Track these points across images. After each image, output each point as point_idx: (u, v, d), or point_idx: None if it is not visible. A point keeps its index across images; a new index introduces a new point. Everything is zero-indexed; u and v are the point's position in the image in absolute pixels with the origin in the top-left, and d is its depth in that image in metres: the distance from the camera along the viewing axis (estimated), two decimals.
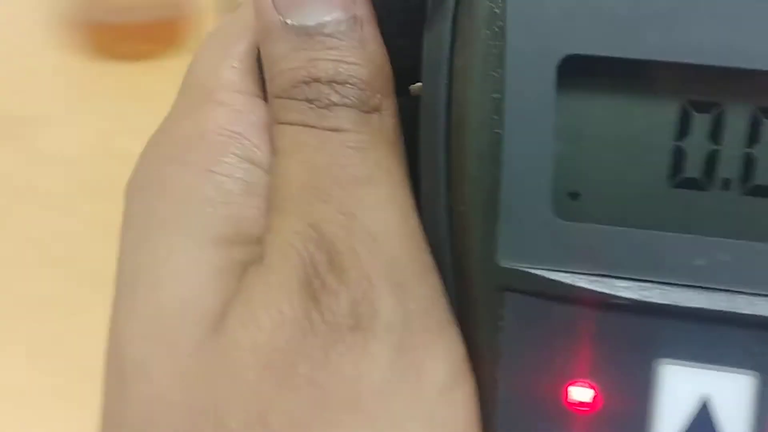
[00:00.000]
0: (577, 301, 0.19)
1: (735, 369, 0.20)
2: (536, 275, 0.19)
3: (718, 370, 0.20)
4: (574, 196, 0.19)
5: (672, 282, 0.19)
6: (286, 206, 0.20)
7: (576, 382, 0.20)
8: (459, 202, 0.20)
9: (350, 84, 0.20)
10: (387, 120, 0.21)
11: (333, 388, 0.19)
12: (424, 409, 0.20)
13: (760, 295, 0.19)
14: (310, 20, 0.20)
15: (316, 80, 0.20)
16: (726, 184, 0.19)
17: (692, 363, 0.20)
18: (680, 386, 0.20)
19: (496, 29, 0.18)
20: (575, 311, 0.19)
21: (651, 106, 0.19)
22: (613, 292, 0.19)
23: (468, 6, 0.19)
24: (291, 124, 0.21)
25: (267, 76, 0.21)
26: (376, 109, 0.20)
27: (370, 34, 0.20)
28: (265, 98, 0.22)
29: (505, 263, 0.19)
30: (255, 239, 0.21)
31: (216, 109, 0.22)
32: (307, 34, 0.20)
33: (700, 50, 0.18)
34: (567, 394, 0.20)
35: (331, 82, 0.20)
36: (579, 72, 0.18)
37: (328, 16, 0.20)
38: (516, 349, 0.20)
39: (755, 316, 0.19)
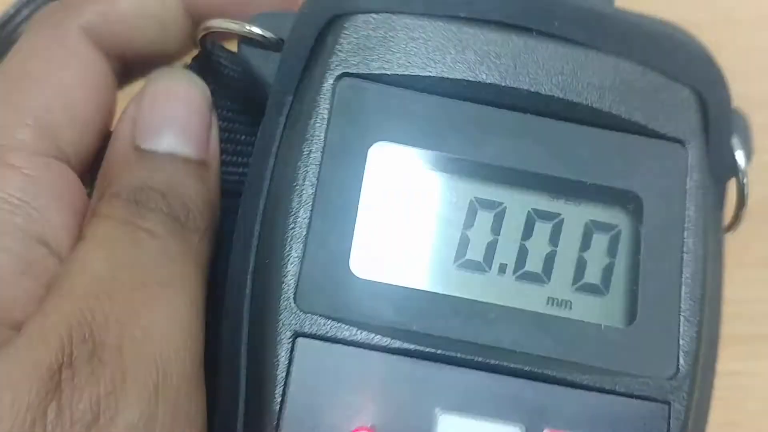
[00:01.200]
0: (364, 349, 0.21)
1: (505, 420, 0.20)
2: (330, 323, 0.21)
3: (490, 422, 0.20)
4: (373, 264, 0.22)
5: (451, 337, 0.21)
6: (71, 292, 0.20)
7: (360, 430, 0.21)
8: (264, 255, 0.22)
9: (181, 202, 0.22)
10: (202, 245, 0.22)
11: None
12: None
13: (524, 353, 0.21)
14: (162, 148, 0.22)
15: (150, 188, 0.21)
16: (503, 268, 0.23)
17: (467, 414, 0.21)
18: None
19: (322, 119, 0.22)
20: (362, 359, 0.21)
21: (445, 198, 0.23)
22: (402, 344, 0.21)
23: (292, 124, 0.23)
24: (110, 217, 0.21)
25: (102, 172, 0.22)
26: (195, 232, 0.22)
27: (212, 176, 0.23)
28: (66, 160, 0.22)
29: (303, 308, 0.21)
30: (14, 324, 0.20)
31: (4, 172, 0.21)
32: (155, 154, 0.22)
33: (487, 154, 0.23)
34: None
35: (163, 194, 0.21)
36: (388, 158, 0.23)
37: (180, 150, 0.22)
38: (304, 395, 0.21)
39: (522, 370, 0.21)
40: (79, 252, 0.21)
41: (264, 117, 0.23)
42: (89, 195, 0.23)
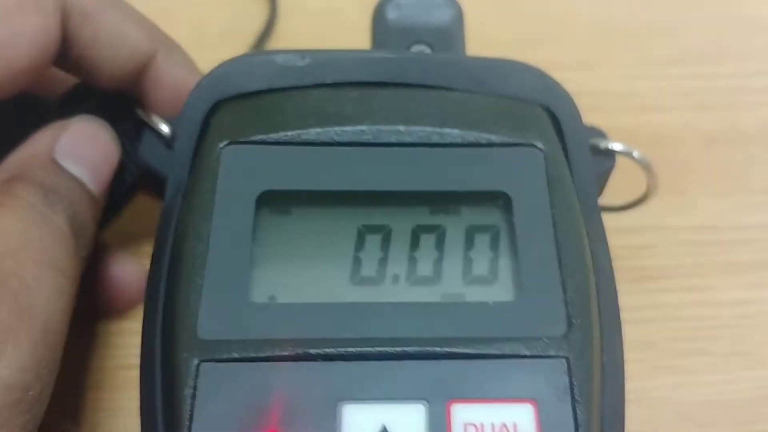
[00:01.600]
0: (263, 362, 0.22)
1: (407, 400, 0.21)
2: (229, 345, 0.22)
3: (394, 404, 0.21)
4: (272, 298, 0.23)
5: (347, 338, 0.22)
6: None
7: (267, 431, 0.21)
8: (169, 302, 0.23)
9: (81, 218, 0.25)
10: (82, 264, 0.25)
11: None
12: None
13: (420, 338, 0.22)
14: (75, 172, 0.26)
15: (61, 195, 0.25)
16: (396, 278, 0.24)
17: (370, 401, 0.21)
18: (360, 422, 0.21)
19: (212, 181, 0.24)
20: (263, 372, 0.22)
21: (334, 230, 0.25)
22: (299, 350, 0.22)
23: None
24: (25, 200, 0.24)
25: (15, 158, 0.25)
26: (84, 249, 0.25)
27: (98, 215, 0.27)
28: None
29: (204, 336, 0.22)
30: None
31: None
32: (67, 172, 0.26)
33: (366, 187, 0.25)
34: None
35: (70, 203, 0.25)
36: (275, 203, 0.25)
37: (87, 182, 0.26)
38: (209, 412, 0.21)
39: (419, 352, 0.22)
40: None
41: (164, 200, 0.26)
42: None
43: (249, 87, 0.27)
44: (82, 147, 0.26)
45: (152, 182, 0.28)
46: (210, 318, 0.22)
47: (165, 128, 0.28)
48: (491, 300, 0.23)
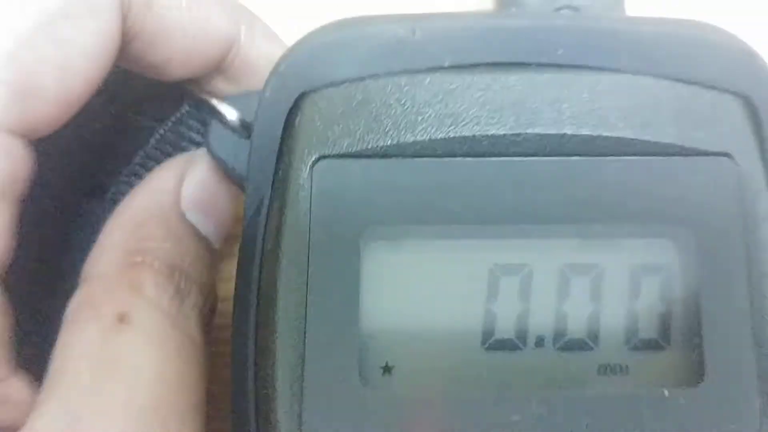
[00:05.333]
0: None
1: None
2: None
3: None
4: (387, 369, 0.19)
5: None
6: (125, 402, 0.18)
7: None
8: (264, 386, 0.19)
9: (208, 301, 0.21)
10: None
11: None
12: None
13: None
14: (202, 228, 0.22)
15: (188, 276, 0.21)
16: (540, 341, 0.19)
17: None
18: None
19: (303, 212, 0.20)
20: None
21: (459, 273, 0.20)
22: None
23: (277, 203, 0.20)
24: (157, 308, 0.20)
25: (138, 214, 0.21)
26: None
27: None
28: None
29: None
30: None
31: None
32: (193, 230, 0.22)
33: (500, 212, 0.20)
34: None
35: (198, 285, 0.21)
36: (384, 238, 0.20)
37: (213, 239, 0.22)
38: None
39: None
40: (128, 346, 0.19)
41: (243, 220, 0.21)
42: None
43: (343, 73, 0.21)
44: (212, 191, 0.22)
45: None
46: (315, 409, 0.19)
47: (233, 114, 0.22)
48: (665, 386, 0.18)
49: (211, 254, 0.22)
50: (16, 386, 0.19)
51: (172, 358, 0.19)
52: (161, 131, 0.24)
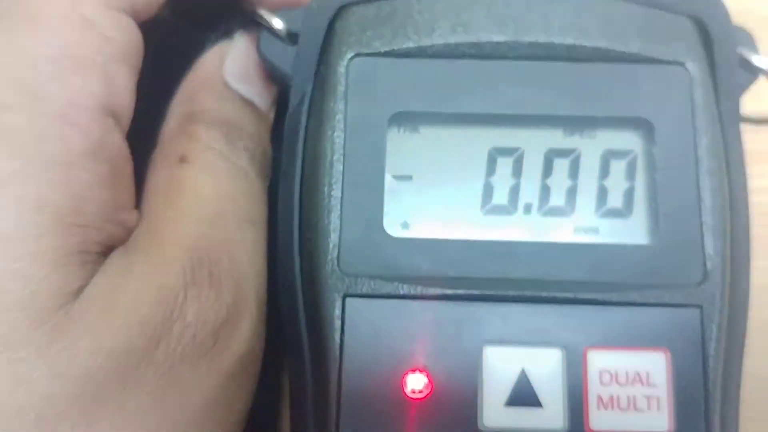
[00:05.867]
0: (407, 300, 0.23)
1: (546, 345, 0.22)
2: (374, 282, 0.23)
3: (532, 347, 0.22)
4: (405, 225, 0.24)
5: (486, 278, 0.23)
6: (187, 215, 0.22)
7: (411, 372, 0.22)
8: (307, 231, 0.24)
9: (262, 149, 0.25)
10: (265, 188, 0.25)
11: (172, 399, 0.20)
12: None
13: (557, 281, 0.23)
14: (247, 93, 0.25)
15: (241, 129, 0.24)
16: (528, 208, 0.24)
17: (511, 344, 0.22)
18: (501, 364, 0.22)
19: (341, 98, 0.24)
20: (406, 310, 0.23)
21: (464, 152, 0.25)
22: (441, 290, 0.23)
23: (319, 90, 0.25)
24: (211, 148, 0.23)
25: (187, 89, 0.25)
26: (267, 178, 0.25)
27: (269, 110, 0.26)
28: (133, 13, 0.22)
29: (347, 273, 0.23)
30: (92, 218, 0.20)
31: (82, 30, 0.20)
32: (240, 95, 0.25)
33: (499, 104, 0.24)
34: (405, 383, 0.22)
35: (250, 136, 0.25)
36: (406, 122, 0.24)
37: (258, 102, 0.26)
38: (357, 349, 0.22)
39: (557, 297, 0.22)
40: (188, 175, 0.23)
41: (288, 107, 0.25)
42: None
43: None
44: (249, 65, 0.26)
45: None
46: (350, 250, 0.23)
47: (279, 24, 0.26)
48: (628, 242, 0.23)
49: (257, 113, 0.26)
50: (135, 216, 0.23)
51: (226, 183, 0.23)
52: (213, 39, 0.28)
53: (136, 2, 0.23)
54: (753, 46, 0.26)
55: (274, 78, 0.27)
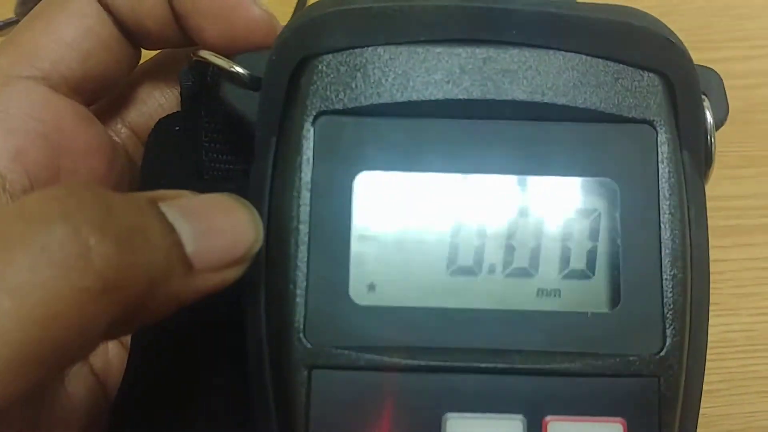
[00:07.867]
0: (372, 371, 0.23)
1: (507, 414, 0.23)
2: (340, 353, 0.23)
3: (493, 417, 0.23)
4: (371, 287, 0.24)
5: (449, 347, 0.23)
6: None
7: None
8: (273, 296, 0.24)
9: None
10: None
11: None
12: None
13: (518, 351, 0.23)
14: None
15: None
16: (492, 268, 0.24)
17: (471, 413, 0.23)
18: None
19: (307, 157, 0.24)
20: (371, 381, 0.23)
21: (430, 212, 0.25)
22: (405, 361, 0.23)
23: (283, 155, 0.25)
24: None
25: None
26: None
27: None
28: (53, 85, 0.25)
29: (313, 344, 0.23)
30: None
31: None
32: None
33: (463, 164, 0.24)
34: None
35: None
36: (372, 184, 0.24)
37: None
38: (323, 422, 0.23)
39: (517, 368, 0.23)
40: None
41: (253, 161, 0.25)
42: None
43: (338, 42, 0.25)
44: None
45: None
46: (316, 321, 0.23)
47: (240, 70, 0.26)
48: (588, 309, 0.23)
49: None
50: None
51: None
52: None
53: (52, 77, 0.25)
54: (720, 91, 0.26)
55: (239, 124, 0.26)
